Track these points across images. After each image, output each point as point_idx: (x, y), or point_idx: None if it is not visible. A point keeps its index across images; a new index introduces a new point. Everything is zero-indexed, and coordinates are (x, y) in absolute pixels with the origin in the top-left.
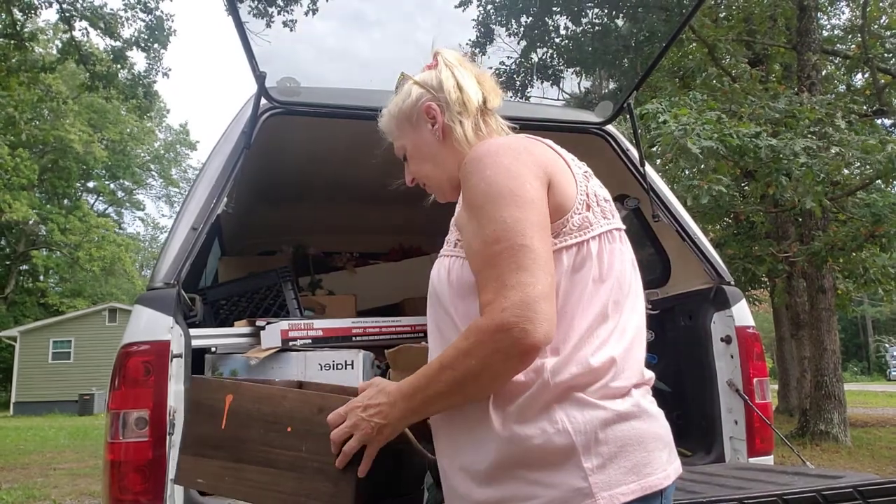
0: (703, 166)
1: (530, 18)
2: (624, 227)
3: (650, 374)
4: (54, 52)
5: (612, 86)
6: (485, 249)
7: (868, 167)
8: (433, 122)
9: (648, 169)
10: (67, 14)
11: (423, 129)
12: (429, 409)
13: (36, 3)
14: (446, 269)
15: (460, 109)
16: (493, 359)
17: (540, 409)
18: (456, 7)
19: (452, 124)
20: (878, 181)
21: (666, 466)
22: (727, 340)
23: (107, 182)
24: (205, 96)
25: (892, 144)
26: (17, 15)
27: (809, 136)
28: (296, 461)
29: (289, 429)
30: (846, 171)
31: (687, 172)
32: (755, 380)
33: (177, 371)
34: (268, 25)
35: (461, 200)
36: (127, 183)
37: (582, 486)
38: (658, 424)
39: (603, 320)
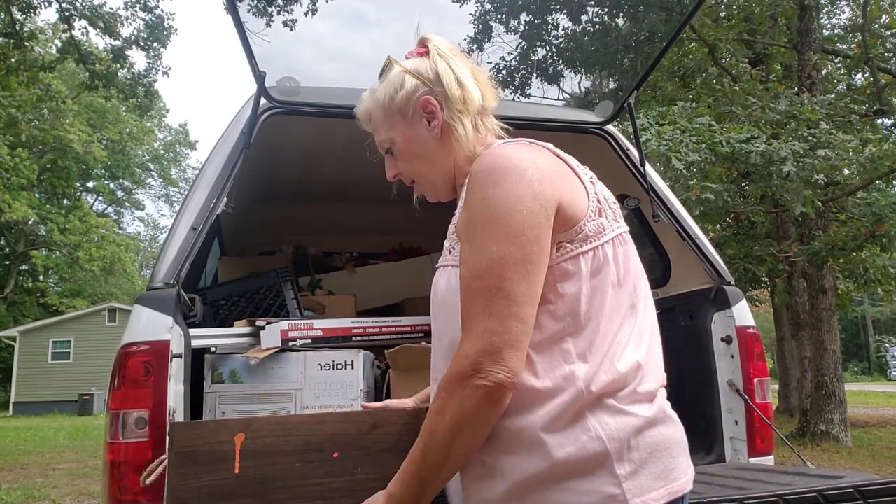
0: (691, 182)
1: (530, 16)
2: (628, 228)
3: (665, 376)
4: (54, 51)
5: (612, 85)
6: (466, 281)
7: (854, 168)
8: (430, 117)
9: (648, 169)
10: (67, 13)
11: (419, 125)
12: (432, 487)
13: (35, 2)
14: (456, 280)
15: (461, 108)
16: (464, 407)
17: (572, 417)
18: (454, 2)
19: (453, 123)
20: (879, 181)
21: (687, 470)
22: (727, 340)
23: (106, 182)
24: (204, 96)
25: (872, 146)
26: (17, 14)
27: (808, 136)
28: (351, 486)
29: (335, 454)
30: (847, 172)
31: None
32: (755, 380)
33: (176, 371)
34: (268, 25)
35: (461, 207)
36: (126, 183)
37: (615, 492)
38: (679, 429)
39: (624, 324)
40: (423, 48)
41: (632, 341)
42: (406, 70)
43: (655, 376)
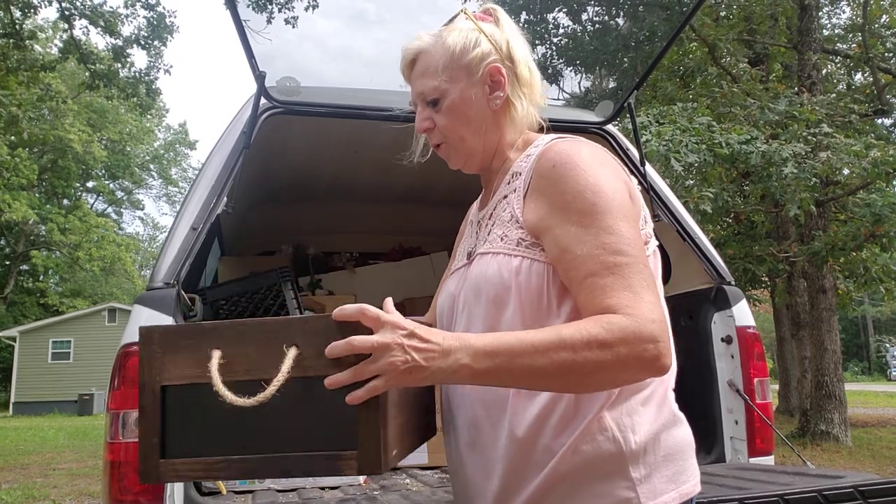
0: (688, 181)
1: (530, 16)
2: (658, 243)
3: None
4: (54, 51)
5: (612, 85)
6: (604, 256)
7: (856, 170)
8: (495, 87)
9: (649, 168)
10: (67, 13)
11: (480, 90)
12: (498, 380)
13: (35, 1)
14: (513, 269)
15: (526, 91)
16: (627, 362)
17: (595, 418)
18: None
19: (515, 101)
20: (879, 181)
21: (696, 472)
22: (728, 340)
23: (106, 182)
24: (204, 96)
25: (876, 149)
26: (17, 14)
27: (809, 136)
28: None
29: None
30: (846, 172)
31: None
32: (756, 380)
33: None
34: (268, 22)
35: (533, 201)
36: (126, 183)
37: (630, 496)
38: (689, 431)
39: None
40: (490, 16)
41: None
42: (482, 30)
43: (669, 378)
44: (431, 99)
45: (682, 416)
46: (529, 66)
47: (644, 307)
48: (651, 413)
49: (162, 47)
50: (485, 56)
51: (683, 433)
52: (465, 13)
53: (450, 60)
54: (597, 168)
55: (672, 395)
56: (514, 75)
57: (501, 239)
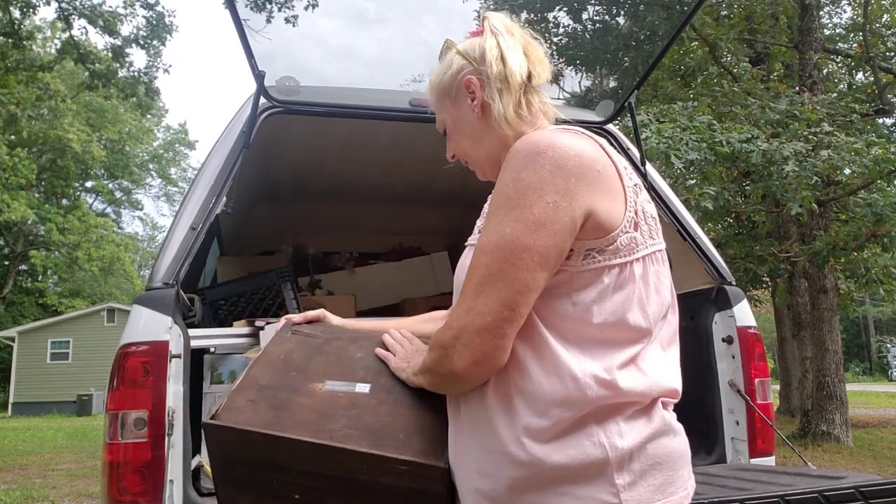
0: (689, 181)
1: (530, 14)
2: (664, 246)
3: (679, 390)
4: (53, 51)
5: (612, 84)
6: (477, 257)
7: (857, 169)
8: (472, 96)
9: (649, 168)
10: (66, 13)
11: (463, 105)
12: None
13: (34, 1)
14: None
15: (501, 86)
16: (436, 374)
17: (577, 422)
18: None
19: (491, 101)
20: (880, 181)
21: (687, 484)
22: (728, 341)
23: (105, 182)
24: (204, 95)
25: (877, 147)
26: (16, 14)
27: (810, 136)
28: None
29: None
30: (847, 171)
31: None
32: (756, 380)
33: (175, 371)
34: (268, 21)
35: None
36: (125, 182)
37: (613, 501)
38: (683, 442)
39: (641, 339)
40: (481, 27)
41: (648, 355)
42: (457, 51)
43: (664, 389)
44: (442, 130)
45: (678, 426)
46: (502, 58)
47: (452, 318)
48: (640, 420)
49: (161, 47)
50: (456, 74)
51: (676, 443)
52: (447, 43)
53: (436, 94)
54: (541, 162)
55: (670, 405)
56: (487, 77)
57: (479, 231)
